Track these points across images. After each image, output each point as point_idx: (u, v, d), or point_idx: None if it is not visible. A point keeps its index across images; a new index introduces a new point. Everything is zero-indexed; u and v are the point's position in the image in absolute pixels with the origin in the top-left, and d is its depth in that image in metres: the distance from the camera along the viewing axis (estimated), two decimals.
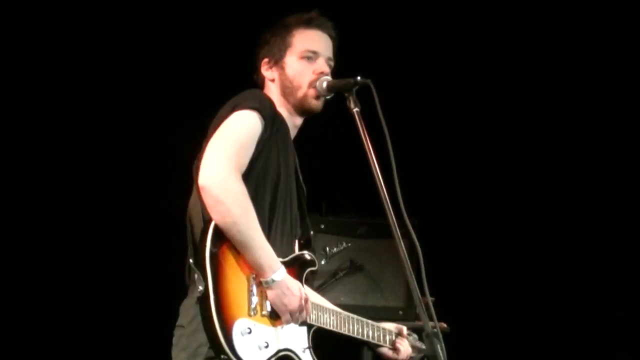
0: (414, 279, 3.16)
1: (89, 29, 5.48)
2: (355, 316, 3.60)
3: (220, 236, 3.22)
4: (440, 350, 3.06)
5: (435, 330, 3.06)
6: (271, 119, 3.39)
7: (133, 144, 5.56)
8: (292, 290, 3.30)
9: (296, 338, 3.39)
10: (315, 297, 3.54)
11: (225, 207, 3.18)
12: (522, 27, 5.89)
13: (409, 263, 3.16)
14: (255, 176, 3.37)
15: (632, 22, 5.78)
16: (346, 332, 3.54)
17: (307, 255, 3.52)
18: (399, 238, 3.16)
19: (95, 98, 5.54)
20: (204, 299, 3.16)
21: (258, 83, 3.62)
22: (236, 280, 3.24)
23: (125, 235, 5.51)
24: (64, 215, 5.55)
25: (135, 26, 5.51)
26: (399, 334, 3.72)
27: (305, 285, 3.43)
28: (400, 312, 4.94)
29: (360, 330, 3.59)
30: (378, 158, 3.28)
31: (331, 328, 3.50)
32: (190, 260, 3.27)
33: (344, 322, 3.54)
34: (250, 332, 3.20)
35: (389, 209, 3.19)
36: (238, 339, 3.18)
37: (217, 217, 3.20)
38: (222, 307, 3.17)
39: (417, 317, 4.79)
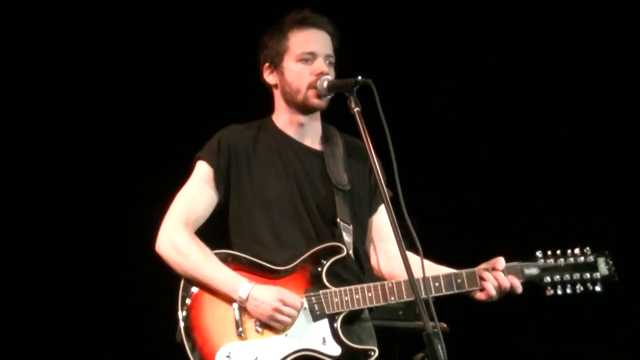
0: (415, 279, 3.17)
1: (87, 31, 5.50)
2: (432, 277, 3.40)
3: (190, 283, 3.49)
4: (440, 350, 3.06)
5: (435, 330, 3.06)
6: (226, 152, 3.57)
7: (135, 144, 5.57)
8: (261, 298, 3.40)
9: (311, 335, 3.44)
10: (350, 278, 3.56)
11: (172, 264, 3.50)
12: (521, 27, 5.89)
13: (409, 262, 3.16)
14: (237, 202, 3.57)
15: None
16: (394, 300, 3.48)
17: (325, 247, 3.52)
18: (400, 238, 3.17)
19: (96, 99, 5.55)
20: (181, 345, 3.40)
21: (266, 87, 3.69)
22: (219, 314, 3.43)
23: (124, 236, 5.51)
24: (62, 215, 5.56)
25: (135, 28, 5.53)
26: (494, 268, 3.51)
27: (325, 278, 3.47)
28: (401, 312, 4.94)
29: (428, 289, 3.39)
30: (379, 158, 3.29)
31: (365, 305, 3.49)
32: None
33: (388, 292, 3.47)
34: (229, 356, 3.37)
35: (389, 208, 3.19)
36: None
37: (176, 273, 3.50)
38: (200, 345, 3.39)
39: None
